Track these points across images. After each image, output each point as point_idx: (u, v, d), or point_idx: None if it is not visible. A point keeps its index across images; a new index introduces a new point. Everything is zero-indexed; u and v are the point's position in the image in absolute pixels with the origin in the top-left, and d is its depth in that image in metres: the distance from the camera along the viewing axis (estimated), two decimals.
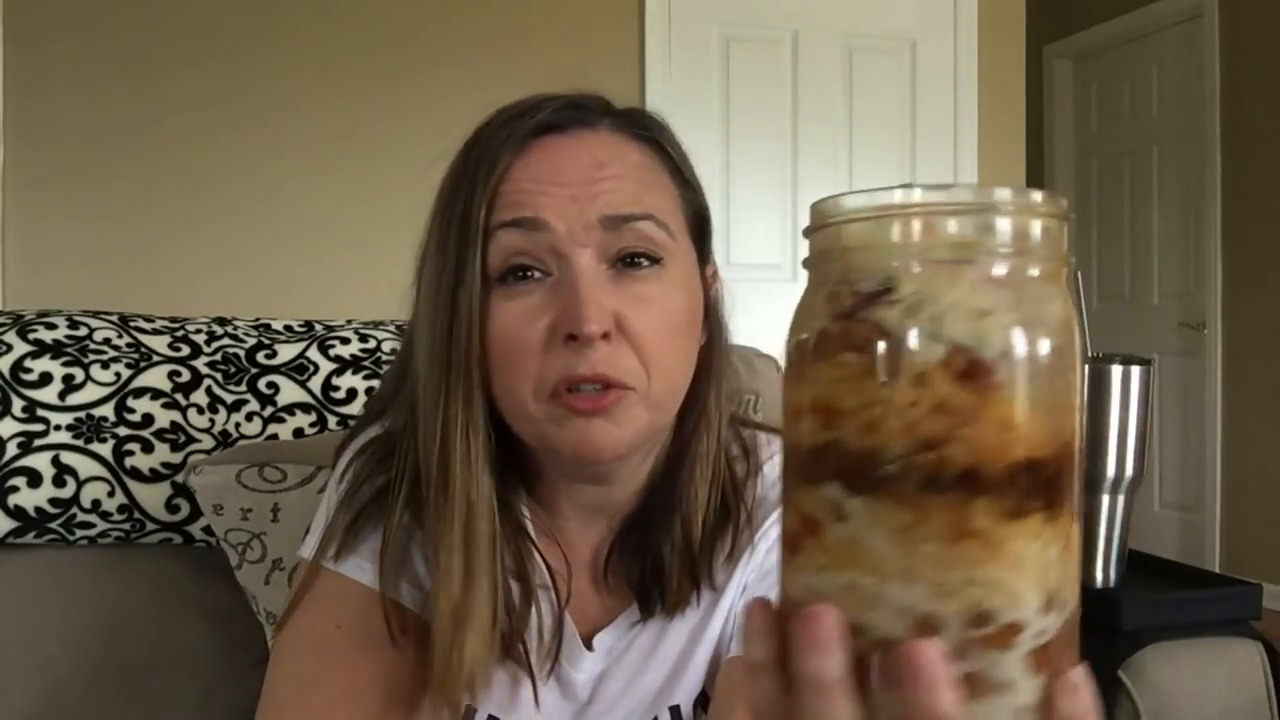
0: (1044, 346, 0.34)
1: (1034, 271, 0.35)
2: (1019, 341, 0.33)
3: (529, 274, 0.63)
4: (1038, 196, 0.35)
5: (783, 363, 0.38)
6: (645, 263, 0.64)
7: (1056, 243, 0.36)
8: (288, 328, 1.17)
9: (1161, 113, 4.32)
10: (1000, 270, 0.34)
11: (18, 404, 1.01)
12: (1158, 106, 4.34)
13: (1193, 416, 4.11)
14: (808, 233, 0.38)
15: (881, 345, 0.34)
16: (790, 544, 0.37)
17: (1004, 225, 0.35)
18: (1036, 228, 0.35)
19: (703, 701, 0.74)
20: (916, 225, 0.35)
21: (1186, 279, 4.18)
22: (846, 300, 0.35)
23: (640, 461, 0.71)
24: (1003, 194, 0.35)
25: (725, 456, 0.73)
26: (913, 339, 0.33)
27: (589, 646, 0.73)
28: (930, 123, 3.29)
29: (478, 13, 2.89)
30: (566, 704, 0.73)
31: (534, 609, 0.69)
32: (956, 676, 0.33)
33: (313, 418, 1.10)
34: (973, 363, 0.33)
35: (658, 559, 0.71)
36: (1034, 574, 0.34)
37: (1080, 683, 0.35)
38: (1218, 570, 3.73)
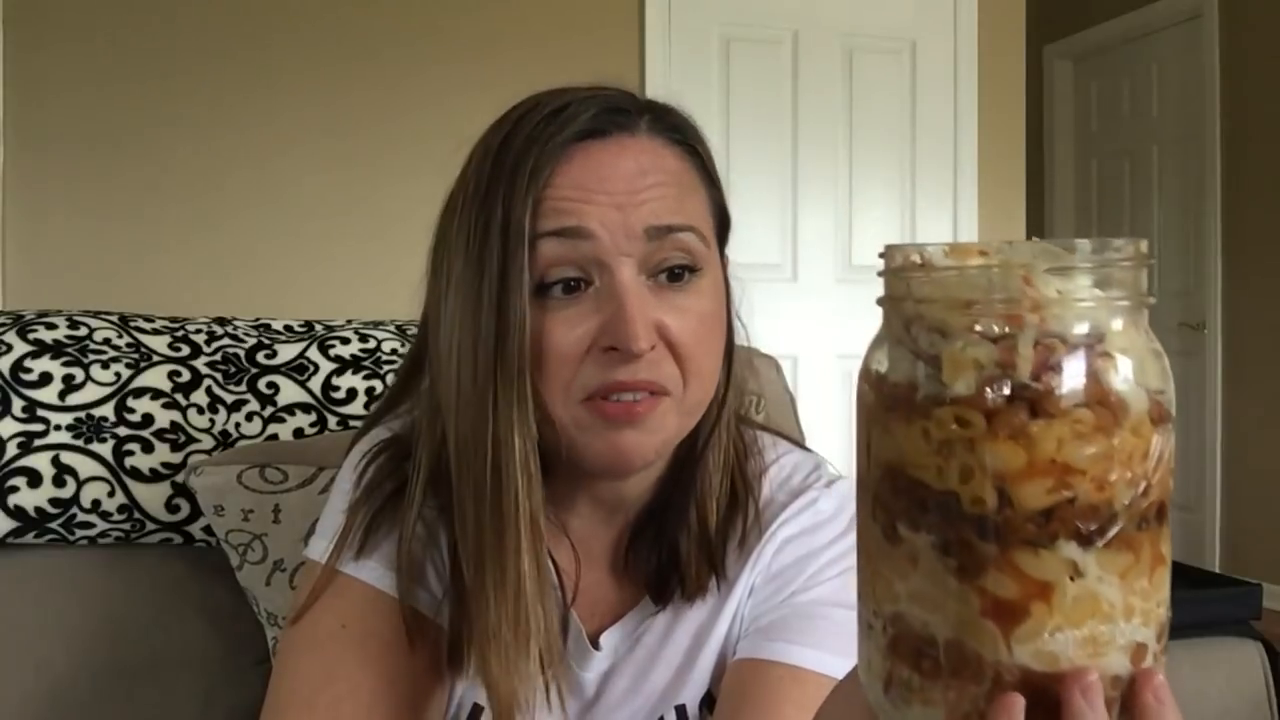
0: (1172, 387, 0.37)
1: (1147, 314, 0.37)
2: (1171, 385, 0.37)
3: (574, 285, 0.63)
4: (1144, 246, 0.37)
5: (928, 411, 0.36)
6: (686, 275, 0.65)
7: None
8: (288, 328, 1.17)
9: (1161, 113, 4.32)
10: (1144, 318, 0.37)
11: (18, 404, 1.01)
12: (1158, 106, 4.34)
13: (1193, 416, 4.12)
14: (936, 271, 0.37)
15: (1109, 400, 0.35)
16: (1005, 612, 0.35)
17: (1141, 273, 0.37)
18: (1145, 276, 0.37)
19: (708, 702, 0.74)
20: (1126, 277, 0.36)
21: (1186, 279, 4.18)
22: (1058, 353, 0.35)
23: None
24: (1143, 247, 0.36)
25: (734, 446, 0.74)
26: (1130, 391, 0.35)
27: (596, 645, 0.73)
28: (930, 123, 3.29)
29: (477, 13, 2.89)
30: (572, 701, 0.72)
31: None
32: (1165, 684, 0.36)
33: (313, 418, 1.10)
34: (1162, 408, 0.36)
35: (675, 548, 0.71)
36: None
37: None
38: (1218, 570, 3.73)
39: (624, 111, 0.67)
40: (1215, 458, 4.04)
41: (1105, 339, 0.35)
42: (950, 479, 0.35)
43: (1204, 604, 1.19)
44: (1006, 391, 0.35)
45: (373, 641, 0.67)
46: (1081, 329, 0.35)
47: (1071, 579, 0.35)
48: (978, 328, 0.35)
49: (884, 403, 0.38)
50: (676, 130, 0.69)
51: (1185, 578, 1.29)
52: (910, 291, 0.37)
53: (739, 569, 0.74)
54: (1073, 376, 0.34)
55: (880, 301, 0.39)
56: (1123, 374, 0.35)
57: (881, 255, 0.39)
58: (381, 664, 0.66)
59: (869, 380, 0.39)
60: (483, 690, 0.69)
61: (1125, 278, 0.36)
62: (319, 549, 0.71)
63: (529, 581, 0.63)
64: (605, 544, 0.74)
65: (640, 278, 0.64)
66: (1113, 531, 0.35)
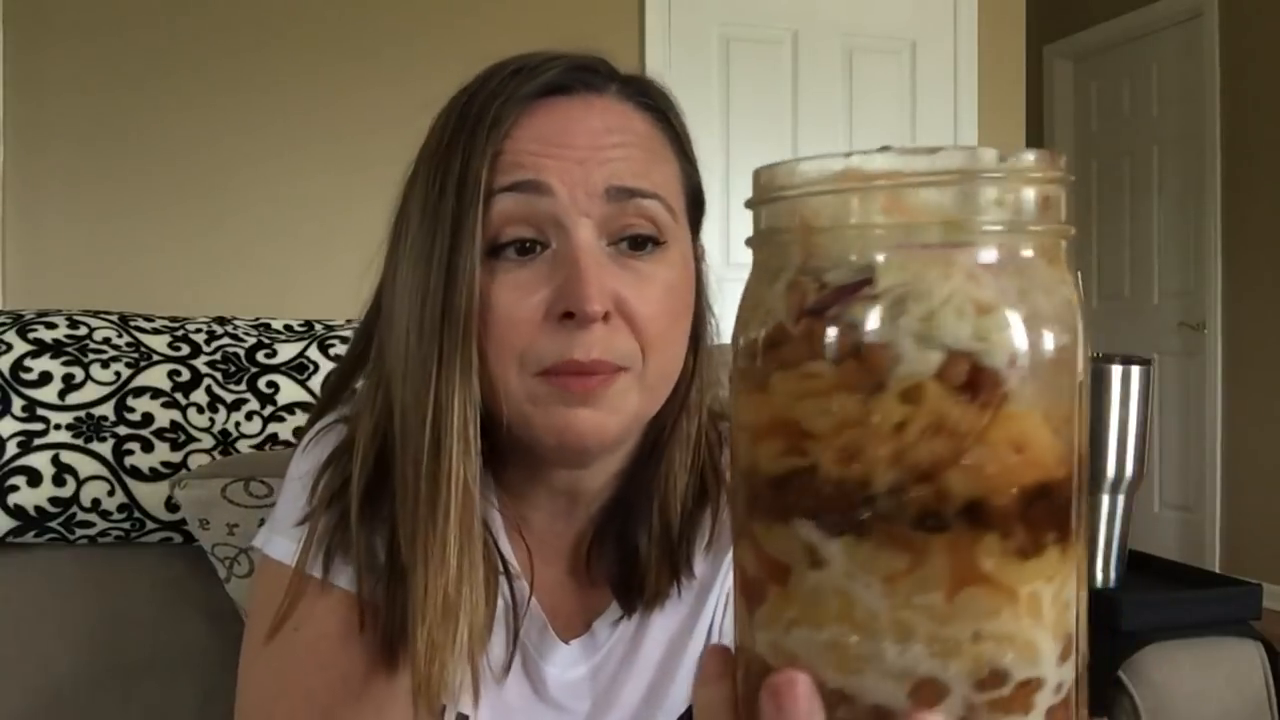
0: (1053, 345, 0.28)
1: (1030, 252, 0.29)
2: (1029, 342, 0.28)
3: (528, 248, 0.60)
4: (1031, 157, 0.29)
5: (733, 365, 0.31)
6: (649, 246, 0.62)
7: (1056, 214, 0.30)
8: (288, 327, 1.17)
9: (1161, 113, 4.32)
10: (997, 254, 0.28)
11: (17, 403, 1.01)
12: (1158, 106, 4.34)
13: (1193, 416, 4.11)
14: (751, 204, 0.31)
15: (861, 351, 0.28)
16: (749, 591, 0.31)
17: (999, 196, 0.28)
18: (1032, 196, 0.29)
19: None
20: (898, 199, 0.28)
21: (1186, 279, 4.18)
22: (812, 293, 0.28)
23: (618, 448, 0.67)
24: (990, 156, 0.29)
25: (705, 440, 0.70)
26: (901, 343, 0.27)
27: (565, 643, 0.70)
28: (930, 123, 3.29)
29: (477, 14, 2.89)
30: (548, 710, 0.69)
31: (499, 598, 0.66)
32: None
33: None
34: (976, 371, 0.27)
35: (635, 549, 0.67)
36: (1051, 619, 0.28)
37: None
38: (1218, 570, 3.73)
39: (593, 71, 0.64)
40: (1215, 458, 4.04)
41: (880, 279, 0.28)
42: (731, 432, 0.32)
43: (1204, 604, 1.19)
44: (754, 336, 0.30)
45: (324, 642, 0.64)
46: (840, 269, 0.28)
47: (810, 566, 0.28)
48: (765, 267, 0.30)
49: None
50: (648, 96, 0.66)
51: (1185, 578, 1.29)
52: (755, 227, 0.32)
53: (711, 576, 0.71)
54: (811, 322, 0.28)
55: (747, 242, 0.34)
56: (887, 320, 0.27)
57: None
58: (334, 659, 0.64)
59: None
60: (465, 698, 0.66)
61: (957, 200, 0.28)
62: (283, 549, 0.67)
63: (454, 554, 0.59)
64: (567, 543, 0.71)
65: (599, 242, 0.60)
66: (863, 518, 0.27)
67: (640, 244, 0.61)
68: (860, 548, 0.28)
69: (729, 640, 0.69)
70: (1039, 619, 0.28)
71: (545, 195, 0.59)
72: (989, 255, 0.28)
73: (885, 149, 0.28)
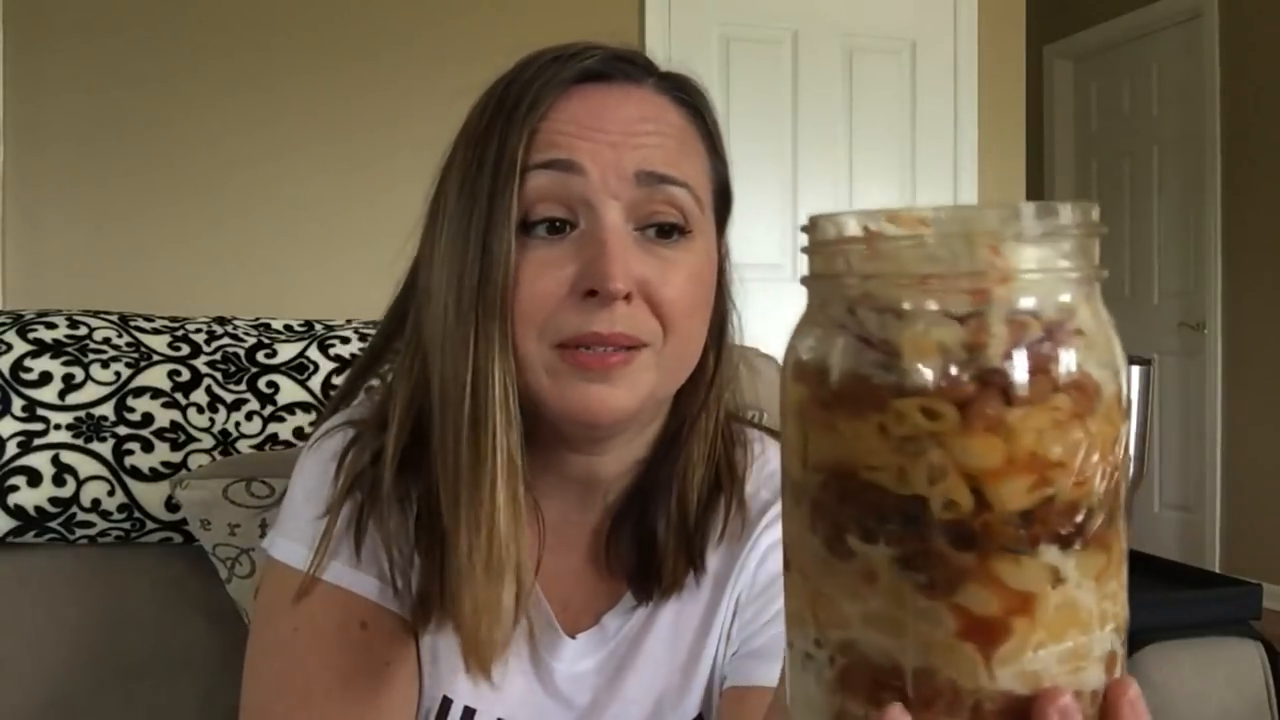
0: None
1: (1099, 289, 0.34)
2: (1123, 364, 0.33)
3: (558, 227, 0.61)
4: (1095, 213, 0.33)
5: (881, 403, 0.31)
6: (675, 234, 0.63)
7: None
8: (288, 327, 1.17)
9: (1161, 113, 4.32)
10: (1099, 292, 0.33)
11: (17, 403, 1.01)
12: (1158, 106, 4.34)
13: (1193, 416, 4.12)
14: (877, 243, 0.32)
15: (1084, 384, 0.31)
16: (983, 634, 0.31)
17: (1096, 246, 0.33)
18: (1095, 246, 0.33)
19: None
20: (1086, 246, 0.32)
21: (1186, 279, 4.18)
22: (1032, 333, 0.30)
23: (635, 435, 0.68)
24: (1094, 214, 0.33)
25: (722, 437, 0.71)
26: (1103, 373, 0.32)
27: (571, 635, 0.70)
28: (930, 123, 3.29)
29: (477, 14, 2.89)
30: (554, 704, 0.70)
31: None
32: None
33: (313, 417, 1.09)
34: (1123, 390, 0.32)
35: (653, 537, 0.69)
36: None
37: None
38: (1218, 570, 3.73)
39: (631, 63, 0.66)
40: (1215, 458, 4.04)
41: (1075, 315, 0.31)
42: (916, 481, 0.31)
43: (1204, 604, 1.19)
44: (976, 377, 0.30)
45: (324, 642, 0.65)
46: (1054, 304, 0.31)
47: (1053, 586, 0.31)
48: (938, 305, 0.31)
49: (822, 398, 0.33)
50: (684, 92, 0.68)
51: (1185, 578, 1.28)
52: (852, 268, 0.32)
53: (724, 573, 0.71)
54: (1049, 358, 0.31)
55: (807, 281, 0.34)
56: (1095, 354, 0.31)
57: (806, 228, 0.34)
58: (334, 664, 0.65)
59: (801, 373, 0.34)
60: (453, 682, 0.67)
61: (1083, 248, 0.32)
62: (294, 554, 0.67)
63: (504, 517, 0.60)
64: (584, 532, 0.72)
65: (627, 225, 0.62)
66: (1091, 530, 0.31)
67: (667, 232, 0.63)
68: (1083, 556, 0.31)
69: (735, 645, 0.69)
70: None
71: (577, 175, 0.61)
72: (1099, 294, 0.33)
73: (1049, 205, 0.32)
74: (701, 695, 0.71)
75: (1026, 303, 0.31)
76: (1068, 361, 0.31)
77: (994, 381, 0.30)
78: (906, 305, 0.31)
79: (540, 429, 0.65)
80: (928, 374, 0.30)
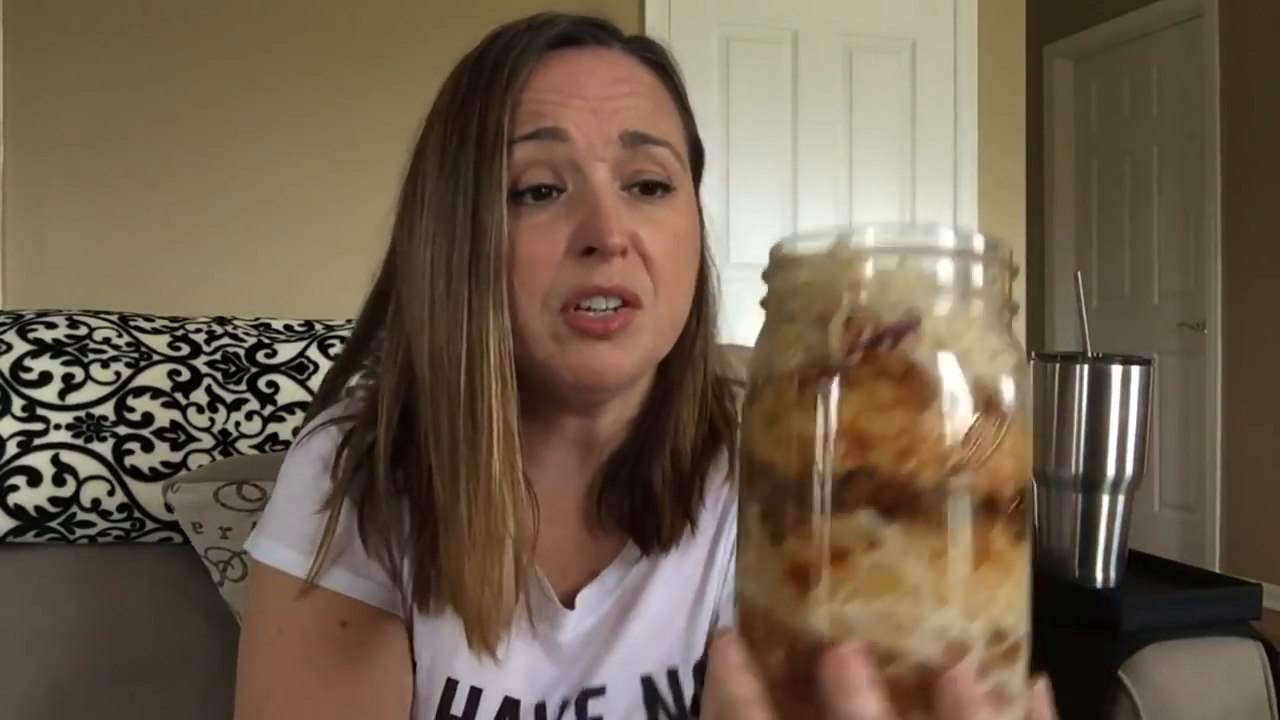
0: (1026, 384, 0.38)
1: (1008, 316, 0.39)
2: (1020, 380, 0.37)
3: (545, 192, 0.62)
4: (1005, 250, 0.38)
5: (764, 392, 0.38)
6: (659, 191, 0.64)
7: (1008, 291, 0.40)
8: (288, 327, 1.17)
9: (1161, 113, 4.32)
10: (996, 315, 0.38)
11: (17, 403, 1.01)
12: (1158, 106, 4.34)
13: (1193, 416, 4.12)
14: (786, 265, 0.39)
15: (917, 377, 0.36)
16: (801, 577, 0.36)
17: (997, 273, 0.38)
18: (1008, 277, 0.39)
19: (702, 671, 0.72)
20: (940, 265, 0.37)
21: (1186, 279, 4.18)
22: (867, 331, 0.36)
23: (628, 393, 0.69)
24: (993, 243, 0.38)
25: (712, 390, 0.72)
26: (945, 373, 0.36)
27: (570, 605, 0.71)
28: (930, 123, 3.29)
29: (477, 14, 2.89)
30: (552, 666, 0.71)
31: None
32: (983, 694, 0.35)
33: None
34: (991, 398, 0.36)
35: (649, 489, 0.70)
36: (1027, 591, 0.37)
37: (1042, 687, 0.38)
38: (1218, 570, 3.73)
39: (602, 27, 0.68)
40: (1215, 458, 4.04)
41: (923, 323, 0.36)
42: (770, 449, 0.38)
43: (1204, 604, 1.19)
44: (816, 363, 0.36)
45: (309, 642, 0.66)
46: (900, 309, 0.36)
47: (867, 548, 0.35)
48: (814, 311, 0.37)
49: (748, 391, 0.40)
50: (650, 52, 0.69)
51: (1185, 578, 1.28)
52: (776, 285, 0.40)
53: (726, 512, 0.73)
54: (878, 353, 0.36)
55: (763, 302, 0.41)
56: (933, 355, 0.36)
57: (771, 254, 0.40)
58: (319, 664, 0.65)
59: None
60: (456, 663, 0.68)
61: (962, 269, 0.37)
62: (278, 555, 0.67)
63: (503, 488, 0.61)
64: (577, 498, 0.72)
65: (615, 184, 0.63)
66: (917, 507, 0.35)
67: (651, 189, 0.64)
68: (910, 531, 0.35)
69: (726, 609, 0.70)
70: (1022, 590, 0.37)
71: (562, 141, 0.62)
72: (993, 316, 0.37)
73: (930, 225, 0.37)
74: (708, 636, 0.73)
75: (870, 305, 0.36)
76: (899, 356, 0.36)
77: (831, 367, 0.36)
78: (793, 312, 0.38)
79: (535, 398, 0.66)
80: (790, 362, 0.37)
